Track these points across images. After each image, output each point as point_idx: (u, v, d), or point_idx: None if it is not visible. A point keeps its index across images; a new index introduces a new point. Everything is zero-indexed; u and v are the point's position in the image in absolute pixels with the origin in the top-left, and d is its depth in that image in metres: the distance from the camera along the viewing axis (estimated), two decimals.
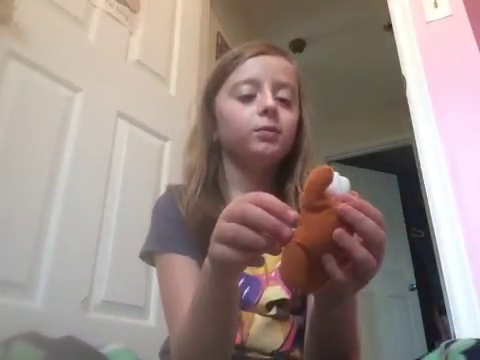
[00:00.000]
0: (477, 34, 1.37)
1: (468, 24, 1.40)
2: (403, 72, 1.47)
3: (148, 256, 0.77)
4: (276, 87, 0.75)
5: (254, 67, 0.77)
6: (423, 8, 1.49)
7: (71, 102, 1.28)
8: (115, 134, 1.39)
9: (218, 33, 2.41)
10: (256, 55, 0.78)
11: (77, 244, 1.19)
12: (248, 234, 0.43)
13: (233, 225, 0.44)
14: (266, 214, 0.42)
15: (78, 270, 1.18)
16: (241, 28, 2.75)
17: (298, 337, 0.70)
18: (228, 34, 2.51)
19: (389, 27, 1.72)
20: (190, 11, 1.88)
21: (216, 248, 0.46)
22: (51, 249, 1.12)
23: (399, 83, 1.49)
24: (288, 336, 0.69)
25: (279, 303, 0.70)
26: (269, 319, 0.69)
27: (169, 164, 1.53)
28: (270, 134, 0.73)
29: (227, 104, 0.77)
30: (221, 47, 2.40)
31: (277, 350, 0.68)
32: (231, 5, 2.60)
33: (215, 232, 0.47)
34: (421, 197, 2.68)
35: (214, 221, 0.65)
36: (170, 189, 0.82)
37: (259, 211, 0.43)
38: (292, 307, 0.71)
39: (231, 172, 0.80)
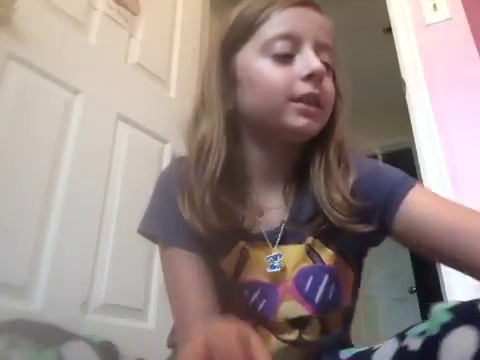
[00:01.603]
0: (476, 37, 1.37)
1: (467, 27, 1.40)
2: (403, 75, 1.47)
3: (149, 236, 0.70)
4: (319, 48, 0.61)
5: (296, 19, 0.61)
6: (422, 11, 1.50)
7: (71, 104, 1.28)
8: (115, 136, 1.39)
9: None
10: (296, 5, 0.62)
11: (76, 246, 1.19)
12: None
13: None
14: None
15: (77, 272, 1.17)
16: None
17: None
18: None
19: (388, 30, 1.72)
20: (190, 14, 1.88)
21: None
22: (50, 251, 1.12)
23: (398, 86, 1.49)
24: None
25: (302, 322, 0.62)
26: (286, 345, 0.61)
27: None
28: (313, 109, 0.59)
29: (256, 63, 0.61)
30: None
31: None
32: (232, 8, 2.60)
33: None
34: None
35: (231, 216, 0.59)
36: (179, 162, 0.69)
37: None
38: (323, 326, 0.63)
39: (250, 150, 0.66)
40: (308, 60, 0.59)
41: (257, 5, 0.64)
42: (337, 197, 0.60)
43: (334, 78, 0.66)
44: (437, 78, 1.40)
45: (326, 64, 0.61)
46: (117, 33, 1.50)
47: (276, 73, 0.60)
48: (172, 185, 0.66)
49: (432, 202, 0.63)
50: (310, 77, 0.58)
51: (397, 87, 1.53)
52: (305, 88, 0.58)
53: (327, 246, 0.64)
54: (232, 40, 0.65)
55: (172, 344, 0.74)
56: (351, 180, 0.62)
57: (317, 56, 0.60)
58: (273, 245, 0.63)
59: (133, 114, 1.47)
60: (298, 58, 0.60)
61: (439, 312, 0.41)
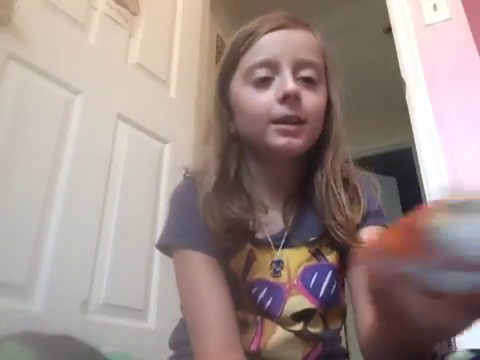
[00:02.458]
0: (476, 37, 1.37)
1: (467, 27, 1.40)
2: (403, 75, 1.47)
3: (165, 249, 0.72)
4: (298, 66, 0.64)
5: (271, 45, 0.65)
6: (422, 11, 1.50)
7: (71, 104, 1.28)
8: (115, 136, 1.39)
9: (218, 36, 2.42)
10: (272, 30, 0.66)
11: (76, 246, 1.19)
12: None
13: None
14: None
15: (77, 272, 1.17)
16: None
17: None
18: (228, 37, 2.51)
19: (388, 30, 1.72)
20: (190, 14, 1.88)
21: None
22: (50, 251, 1.12)
23: (398, 86, 1.49)
24: (306, 357, 0.65)
25: (307, 315, 0.65)
26: (291, 334, 0.64)
27: (169, 166, 1.53)
28: (292, 128, 0.62)
29: (241, 91, 0.66)
30: (221, 50, 2.40)
31: None
32: (231, 8, 2.60)
33: None
34: (421, 199, 2.68)
35: (239, 222, 0.64)
36: (190, 177, 0.74)
37: None
38: (325, 319, 0.66)
39: (253, 166, 0.71)
40: (282, 83, 0.63)
41: (241, 35, 0.69)
42: (340, 218, 0.65)
43: (328, 87, 0.69)
44: (437, 78, 1.40)
45: (308, 79, 0.65)
46: (117, 33, 1.50)
47: (256, 99, 0.64)
48: (188, 197, 0.70)
49: None
50: (285, 99, 0.62)
51: (397, 87, 1.53)
52: (282, 110, 0.62)
53: (331, 248, 0.68)
54: (225, 70, 0.70)
55: (173, 344, 0.74)
56: (357, 199, 0.68)
57: (297, 74, 0.64)
58: (277, 249, 0.68)
59: (133, 114, 1.47)
60: (276, 81, 0.64)
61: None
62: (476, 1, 1.44)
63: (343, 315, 0.72)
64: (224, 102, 0.70)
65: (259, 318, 0.65)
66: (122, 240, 1.30)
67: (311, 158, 0.69)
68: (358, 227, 0.67)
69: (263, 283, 0.66)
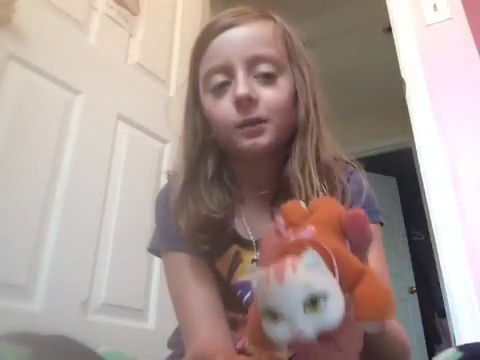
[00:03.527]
0: (476, 37, 1.37)
1: (467, 27, 1.40)
2: (403, 75, 1.47)
3: (155, 252, 0.75)
4: (252, 64, 0.62)
5: (221, 48, 0.63)
6: (422, 11, 1.50)
7: (71, 104, 1.28)
8: (115, 136, 1.39)
9: None
10: (222, 30, 0.64)
11: (77, 246, 1.19)
12: None
13: None
14: None
15: (78, 272, 1.18)
16: None
17: None
18: None
19: (388, 30, 1.72)
20: (190, 14, 1.88)
21: None
22: (51, 251, 1.12)
23: (398, 86, 1.49)
24: (293, 357, 0.65)
25: None
26: None
27: (169, 166, 1.53)
28: (253, 128, 0.61)
29: (204, 100, 0.66)
30: None
31: None
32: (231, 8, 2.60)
33: None
34: (421, 199, 2.68)
35: (210, 220, 0.63)
36: (171, 179, 0.75)
37: None
38: None
39: (234, 167, 0.71)
40: (235, 87, 0.61)
41: (195, 43, 0.67)
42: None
43: (293, 73, 0.66)
44: (437, 78, 1.40)
45: (265, 74, 0.63)
46: (117, 33, 1.50)
47: (216, 107, 0.64)
48: (168, 200, 0.69)
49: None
50: (239, 103, 0.60)
51: (397, 87, 1.53)
52: (239, 117, 0.61)
53: None
54: (192, 80, 0.70)
55: (172, 344, 0.74)
56: (340, 192, 0.64)
57: (253, 72, 0.62)
58: (258, 250, 0.66)
59: (133, 114, 1.47)
60: (233, 85, 0.62)
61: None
62: (476, 1, 1.44)
63: None
64: (196, 107, 0.69)
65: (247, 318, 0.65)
66: (122, 240, 1.30)
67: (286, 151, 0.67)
68: None
69: (248, 285, 0.65)
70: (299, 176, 0.63)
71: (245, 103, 0.60)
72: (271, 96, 0.62)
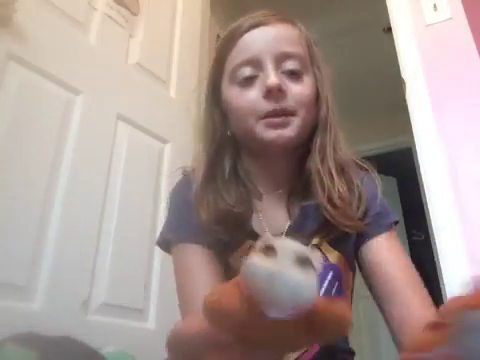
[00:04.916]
0: (476, 37, 1.37)
1: (468, 27, 1.40)
2: (403, 75, 1.47)
3: (164, 245, 0.74)
4: (280, 60, 0.65)
5: (251, 43, 0.66)
6: (422, 11, 1.49)
7: (71, 104, 1.28)
8: (115, 136, 1.39)
9: (218, 36, 2.42)
10: (252, 28, 0.67)
11: (77, 246, 1.19)
12: None
13: None
14: None
15: (78, 272, 1.17)
16: None
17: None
18: None
19: (389, 30, 1.72)
20: (190, 14, 1.88)
21: None
22: (51, 251, 1.12)
23: (398, 86, 1.49)
24: (303, 353, 0.63)
25: None
26: None
27: (169, 166, 1.53)
28: (278, 120, 0.63)
29: (229, 92, 0.68)
30: None
31: None
32: (231, 8, 2.60)
33: None
34: (421, 199, 2.68)
35: (229, 213, 0.64)
36: (187, 174, 0.76)
37: None
38: None
39: (251, 164, 0.72)
40: (265, 78, 0.64)
41: (224, 37, 0.71)
42: (335, 199, 0.64)
43: (314, 75, 0.70)
44: (437, 78, 1.40)
45: (293, 71, 0.66)
46: (117, 33, 1.50)
47: (242, 98, 0.66)
48: (184, 193, 0.72)
49: (393, 253, 0.69)
50: (270, 93, 0.63)
51: (397, 87, 1.53)
52: (267, 105, 0.63)
53: (333, 247, 0.68)
54: (214, 73, 0.72)
55: (167, 343, 0.74)
56: (356, 192, 0.67)
57: (280, 68, 0.65)
58: None
59: (133, 114, 1.47)
60: (261, 77, 0.65)
61: None
62: (476, 1, 1.44)
63: None
64: (216, 104, 0.72)
65: None
66: (122, 240, 1.30)
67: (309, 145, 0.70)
68: (360, 220, 0.66)
69: None
70: (320, 169, 0.65)
71: (276, 93, 0.62)
72: (298, 91, 0.65)
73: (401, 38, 1.51)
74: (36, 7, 1.24)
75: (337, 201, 0.64)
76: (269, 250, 0.32)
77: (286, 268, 0.30)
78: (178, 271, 0.69)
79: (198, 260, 0.66)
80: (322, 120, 0.69)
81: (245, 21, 0.69)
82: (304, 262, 0.31)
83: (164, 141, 1.56)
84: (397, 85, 1.52)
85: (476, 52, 1.35)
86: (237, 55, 0.67)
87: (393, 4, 1.58)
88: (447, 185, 1.26)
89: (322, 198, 0.64)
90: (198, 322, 0.37)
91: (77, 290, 1.17)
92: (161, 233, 0.75)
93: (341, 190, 0.64)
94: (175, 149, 1.57)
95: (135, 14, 1.60)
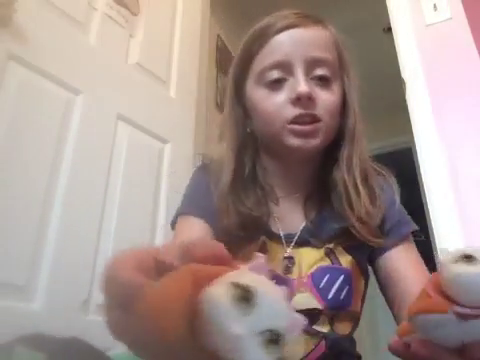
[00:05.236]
0: (476, 37, 1.37)
1: (467, 27, 1.40)
2: (403, 75, 1.47)
3: (173, 225, 0.74)
4: (311, 65, 0.64)
5: (282, 46, 0.64)
6: (422, 11, 1.49)
7: (71, 104, 1.28)
8: (115, 136, 1.39)
9: (218, 36, 2.42)
10: (283, 30, 0.65)
11: (77, 246, 1.19)
12: None
13: None
14: None
15: (78, 272, 1.17)
16: (241, 31, 2.75)
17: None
18: (228, 37, 2.51)
19: (388, 30, 1.72)
20: (190, 14, 1.88)
21: None
22: (51, 251, 1.12)
23: (398, 86, 1.49)
24: (309, 354, 0.63)
25: (312, 315, 0.63)
26: None
27: (169, 166, 1.53)
28: (307, 128, 0.62)
29: (255, 92, 0.67)
30: (221, 50, 2.40)
31: None
32: (231, 8, 2.60)
33: None
34: (421, 199, 2.67)
35: (251, 217, 0.64)
36: (206, 166, 0.75)
37: None
38: (332, 323, 0.65)
39: (269, 165, 0.71)
40: (295, 84, 0.62)
41: (252, 36, 0.68)
42: (361, 212, 0.64)
43: (343, 81, 0.69)
44: (437, 78, 1.40)
45: (322, 77, 0.64)
46: (117, 33, 1.50)
47: (270, 101, 0.64)
48: (201, 177, 0.73)
49: (409, 261, 0.68)
50: (298, 100, 0.62)
51: (397, 87, 1.53)
52: (295, 111, 0.62)
53: (347, 252, 0.68)
54: (238, 71, 0.70)
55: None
56: (374, 199, 0.66)
57: (310, 73, 0.63)
58: (288, 246, 0.67)
59: (133, 114, 1.47)
60: (290, 81, 0.64)
61: None
62: (476, 1, 1.44)
63: (354, 322, 0.70)
64: (239, 101, 0.70)
65: None
66: (122, 240, 1.30)
67: (328, 155, 0.69)
68: (378, 228, 0.66)
69: (273, 275, 0.65)
70: (347, 180, 0.65)
71: (305, 101, 0.62)
72: (326, 98, 0.64)
73: (401, 38, 1.51)
74: (36, 7, 1.24)
75: (364, 217, 0.64)
76: (467, 258, 0.33)
77: None
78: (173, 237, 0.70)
79: (196, 230, 0.66)
80: (350, 130, 0.68)
81: (277, 21, 0.66)
82: None
83: (164, 141, 1.56)
84: (397, 85, 1.52)
85: (476, 52, 1.35)
86: (267, 56, 0.65)
87: (393, 4, 1.58)
88: (447, 185, 1.26)
89: (351, 216, 0.64)
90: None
91: (77, 290, 1.17)
92: (175, 214, 0.74)
93: (367, 204, 0.64)
94: (175, 149, 1.57)
95: (135, 14, 1.60)
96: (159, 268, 0.26)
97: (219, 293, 0.24)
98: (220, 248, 0.27)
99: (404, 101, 1.45)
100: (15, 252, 1.06)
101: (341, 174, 0.66)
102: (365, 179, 0.67)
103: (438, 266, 0.34)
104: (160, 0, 1.74)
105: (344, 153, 0.67)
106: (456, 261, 0.33)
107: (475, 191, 1.24)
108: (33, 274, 1.08)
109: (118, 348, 0.51)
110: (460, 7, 1.44)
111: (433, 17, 1.47)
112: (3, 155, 1.09)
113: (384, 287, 0.69)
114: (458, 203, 1.23)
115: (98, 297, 1.21)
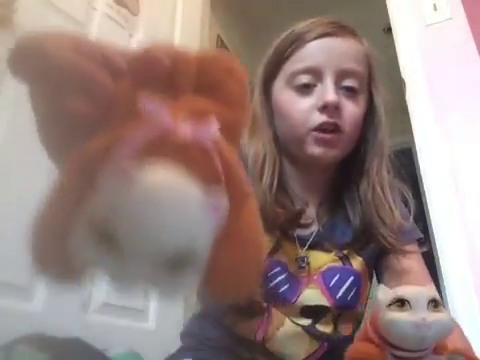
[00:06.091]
0: (476, 37, 1.37)
1: (467, 27, 1.40)
2: (403, 75, 1.47)
3: None
4: (341, 76, 0.65)
5: (316, 53, 0.66)
6: (422, 11, 1.50)
7: None
8: None
9: (218, 36, 2.42)
10: (318, 38, 0.66)
11: None
12: None
13: None
14: None
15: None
16: (241, 31, 2.76)
17: None
18: (228, 37, 2.51)
19: (389, 30, 1.72)
20: (190, 14, 1.88)
21: None
22: None
23: (398, 86, 1.49)
24: (310, 356, 0.64)
25: (318, 313, 0.65)
26: (299, 329, 0.64)
27: None
28: (329, 137, 0.63)
29: (283, 94, 0.67)
30: (221, 50, 2.40)
31: None
32: (231, 8, 2.60)
33: None
34: (421, 199, 2.67)
35: (294, 214, 0.65)
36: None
37: None
38: (336, 322, 0.66)
39: (289, 167, 0.72)
40: (323, 92, 0.63)
41: (286, 39, 0.69)
42: (391, 222, 0.65)
43: (371, 94, 0.70)
44: (437, 78, 1.40)
45: (350, 88, 0.65)
46: (117, 33, 1.50)
47: (296, 105, 0.65)
48: None
49: (417, 263, 0.70)
50: (325, 108, 0.63)
51: (397, 87, 1.53)
52: (320, 118, 0.63)
53: (358, 254, 0.69)
54: (268, 72, 0.71)
55: (184, 335, 0.74)
56: (397, 204, 0.69)
57: (339, 84, 0.64)
58: (302, 248, 0.68)
59: None
60: (319, 88, 0.64)
61: None
62: (476, 1, 1.44)
63: (357, 323, 0.70)
64: (267, 100, 0.71)
65: (267, 306, 0.64)
66: None
67: (348, 164, 0.70)
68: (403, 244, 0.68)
69: (285, 268, 0.66)
70: (378, 190, 0.67)
71: (332, 109, 0.63)
72: (352, 110, 0.65)
73: (401, 38, 1.51)
74: (36, 7, 1.24)
75: (396, 228, 0.65)
76: (400, 302, 0.36)
77: (428, 316, 0.36)
78: None
79: None
80: (379, 144, 0.69)
81: (314, 27, 0.68)
82: (436, 304, 0.36)
83: None
84: (397, 85, 1.52)
85: (476, 52, 1.36)
86: (300, 60, 0.66)
87: (393, 4, 1.58)
88: (447, 185, 1.26)
89: (381, 227, 0.65)
90: None
91: (77, 290, 1.17)
92: None
93: (398, 217, 0.66)
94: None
95: (135, 14, 1.60)
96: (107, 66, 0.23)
97: None
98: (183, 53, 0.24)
99: (404, 101, 1.45)
100: (15, 252, 1.06)
101: (370, 185, 0.67)
102: (388, 190, 0.69)
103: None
104: (160, 0, 1.74)
105: (374, 165, 0.68)
106: (390, 304, 0.36)
107: (475, 191, 1.24)
108: (33, 274, 1.08)
109: (118, 348, 0.51)
110: (460, 7, 1.44)
111: (433, 17, 1.48)
112: (3, 155, 1.09)
113: (387, 286, 0.70)
114: (458, 203, 1.23)
115: (98, 297, 1.21)
